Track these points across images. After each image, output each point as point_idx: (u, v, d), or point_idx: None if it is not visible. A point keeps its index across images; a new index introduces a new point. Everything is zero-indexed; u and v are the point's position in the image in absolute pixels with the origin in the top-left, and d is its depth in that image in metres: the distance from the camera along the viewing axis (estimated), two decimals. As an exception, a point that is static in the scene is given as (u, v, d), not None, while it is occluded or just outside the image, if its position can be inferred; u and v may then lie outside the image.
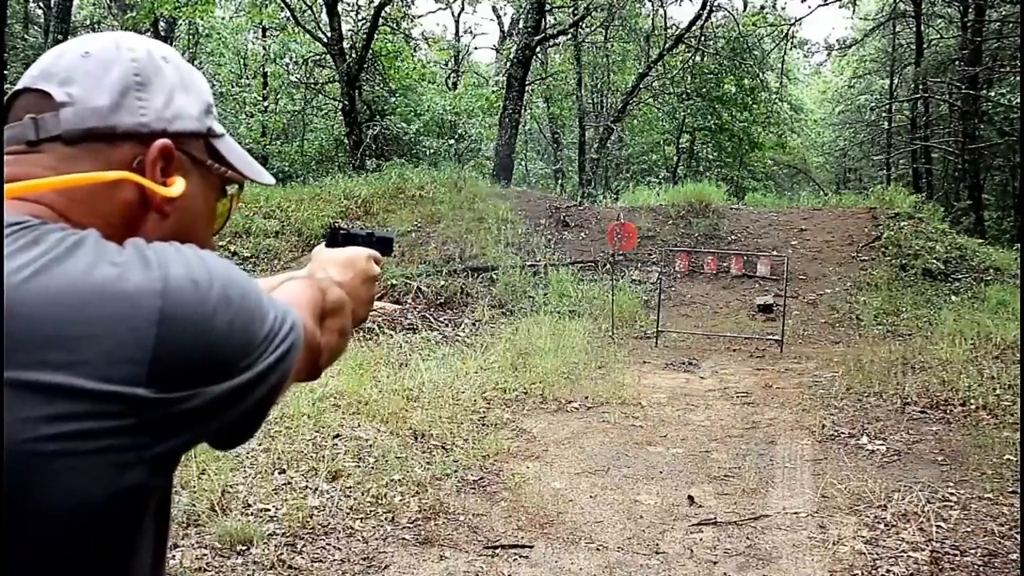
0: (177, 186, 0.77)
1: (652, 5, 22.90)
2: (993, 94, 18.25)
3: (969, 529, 3.89)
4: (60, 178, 0.71)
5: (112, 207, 0.75)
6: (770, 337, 9.19)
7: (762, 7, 22.00)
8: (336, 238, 1.08)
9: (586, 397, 6.43)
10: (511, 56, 17.46)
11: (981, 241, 13.65)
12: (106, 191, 0.74)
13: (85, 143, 0.74)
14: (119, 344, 0.62)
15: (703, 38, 22.05)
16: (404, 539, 3.73)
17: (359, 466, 4.45)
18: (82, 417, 0.61)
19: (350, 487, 4.16)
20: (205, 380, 0.66)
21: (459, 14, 28.10)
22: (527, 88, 18.79)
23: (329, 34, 17.12)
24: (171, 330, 0.64)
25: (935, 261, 11.50)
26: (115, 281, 0.64)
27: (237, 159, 0.87)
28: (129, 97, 0.76)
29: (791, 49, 25.08)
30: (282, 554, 3.44)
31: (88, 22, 21.60)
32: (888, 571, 3.48)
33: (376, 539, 3.70)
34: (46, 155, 0.74)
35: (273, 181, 0.96)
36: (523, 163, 24.84)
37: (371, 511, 3.94)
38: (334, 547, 3.58)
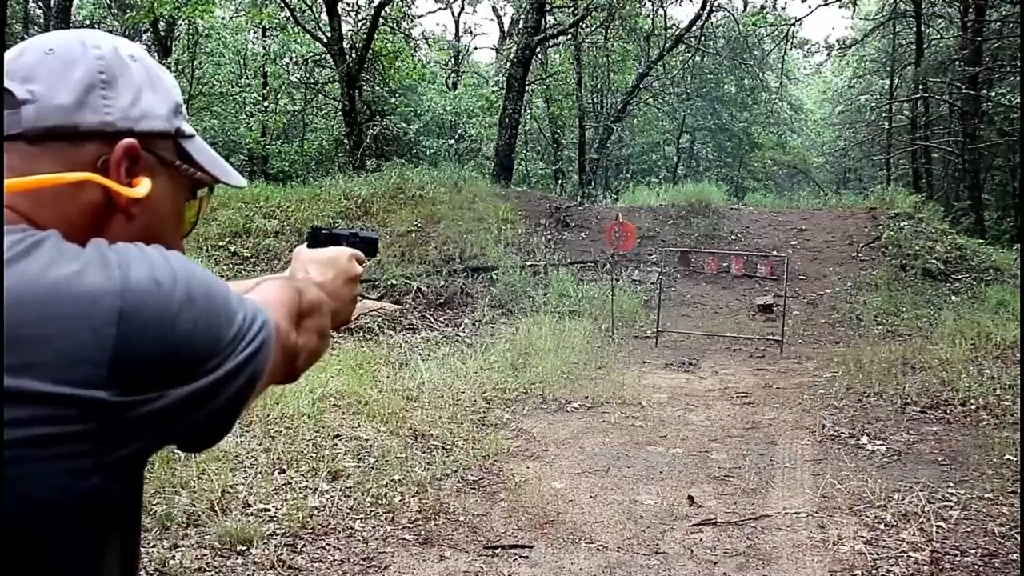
0: (142, 187, 0.75)
1: (652, 5, 22.89)
2: (993, 94, 18.26)
3: (969, 529, 3.89)
4: (21, 180, 0.69)
5: (77, 208, 0.73)
6: (770, 337, 9.19)
7: (762, 7, 21.99)
8: (318, 238, 1.05)
9: (586, 397, 6.43)
10: (511, 56, 17.46)
11: (981, 241, 13.65)
12: (70, 192, 0.72)
13: (47, 142, 0.72)
14: (77, 345, 0.61)
15: (703, 38, 22.06)
16: (404, 539, 3.72)
17: (359, 466, 4.45)
18: (39, 422, 0.59)
19: (350, 487, 4.16)
20: (169, 382, 0.64)
21: (459, 14, 28.13)
22: (527, 88, 18.78)
23: (329, 34, 17.11)
24: (132, 330, 0.62)
25: (935, 261, 11.50)
26: (73, 280, 0.62)
27: (207, 160, 0.85)
28: (93, 95, 0.74)
29: (791, 49, 25.10)
30: (282, 554, 3.44)
31: (88, 22, 21.59)
32: (888, 571, 3.48)
33: (376, 539, 3.70)
34: (8, 154, 0.71)
35: (244, 183, 0.93)
36: (523, 163, 24.83)
37: (371, 511, 3.94)
38: (334, 547, 3.58)
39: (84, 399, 0.60)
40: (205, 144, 0.86)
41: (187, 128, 0.83)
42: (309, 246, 1.04)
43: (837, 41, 25.56)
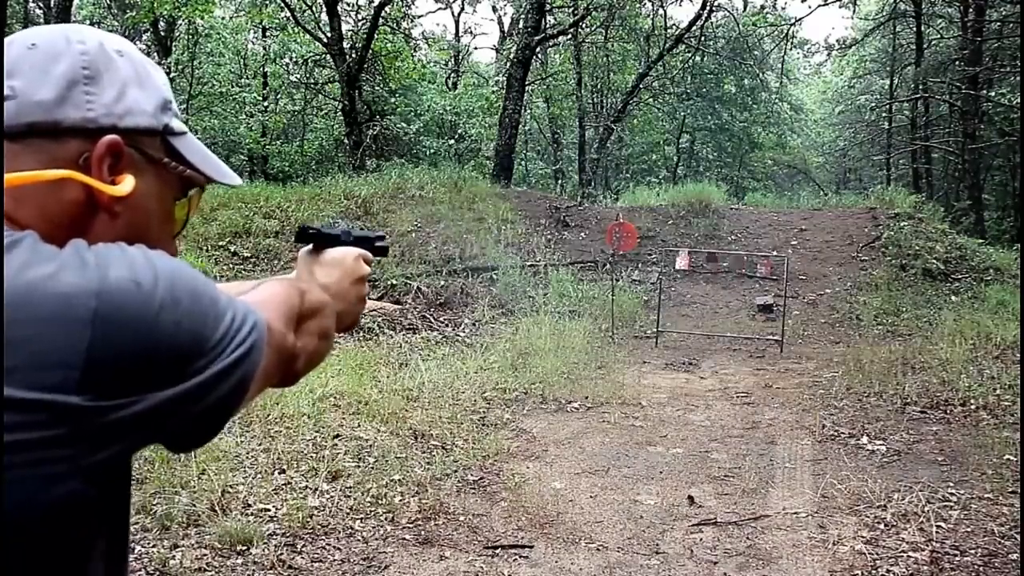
0: (125, 185, 0.73)
1: (652, 5, 22.91)
2: (993, 94, 18.26)
3: (969, 529, 3.89)
4: None
5: (59, 207, 0.71)
6: (770, 337, 9.19)
7: (762, 7, 22.01)
8: (306, 237, 1.01)
9: (586, 397, 6.43)
10: (511, 56, 17.46)
11: (981, 241, 13.67)
12: (51, 190, 0.70)
13: (28, 139, 0.70)
14: (50, 348, 0.59)
15: (703, 38, 22.07)
16: (404, 539, 3.72)
17: (359, 466, 4.45)
18: (11, 429, 0.57)
19: (350, 487, 4.16)
20: (148, 385, 0.62)
21: (459, 14, 28.13)
22: (527, 88, 18.78)
23: (329, 34, 17.11)
24: (107, 333, 0.60)
25: (935, 261, 11.50)
26: (47, 282, 0.60)
27: (199, 158, 0.82)
28: (76, 91, 0.72)
29: (791, 49, 25.12)
30: (282, 554, 3.44)
31: (88, 22, 21.58)
32: (888, 571, 3.48)
33: (376, 539, 3.70)
34: None
35: (239, 181, 0.90)
36: (523, 163, 24.84)
37: (371, 511, 3.94)
38: (334, 547, 3.58)
39: (55, 404, 0.58)
40: (197, 141, 0.84)
41: (177, 125, 0.81)
42: (296, 241, 1.02)
43: (837, 41, 25.58)
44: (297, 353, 0.82)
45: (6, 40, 0.73)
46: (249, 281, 0.93)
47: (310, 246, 1.01)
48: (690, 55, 23.30)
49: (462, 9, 27.92)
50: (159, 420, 0.64)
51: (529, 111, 22.73)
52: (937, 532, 3.81)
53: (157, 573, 3.20)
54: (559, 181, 21.69)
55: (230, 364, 0.67)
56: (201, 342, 0.65)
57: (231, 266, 10.43)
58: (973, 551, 3.65)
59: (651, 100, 24.56)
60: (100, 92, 0.73)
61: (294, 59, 21.38)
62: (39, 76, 0.71)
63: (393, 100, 20.53)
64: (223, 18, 21.05)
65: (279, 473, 4.24)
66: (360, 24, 19.84)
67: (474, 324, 9.30)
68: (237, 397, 0.69)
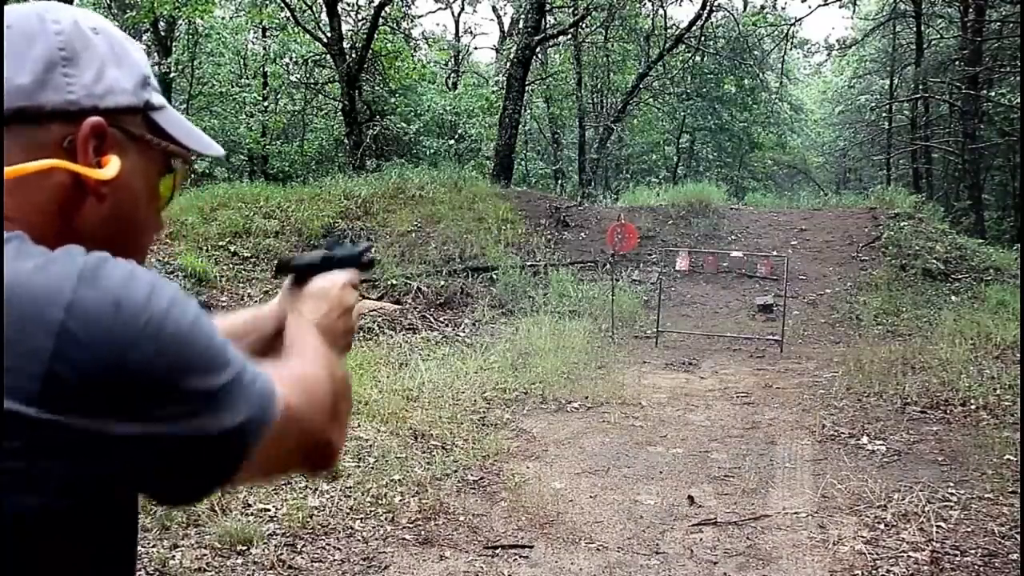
0: (111, 167, 0.71)
1: (652, 5, 22.90)
2: (993, 94, 18.26)
3: (969, 529, 3.89)
4: None
5: (46, 194, 0.70)
6: (770, 337, 9.19)
7: (762, 7, 22.01)
8: (286, 271, 0.95)
9: (586, 397, 6.43)
10: (511, 56, 17.45)
11: (981, 241, 13.66)
12: (36, 178, 0.69)
13: (10, 124, 0.69)
14: (18, 355, 0.58)
15: (703, 38, 22.07)
16: (404, 539, 3.73)
17: (359, 466, 4.45)
18: None
19: (350, 487, 4.16)
20: (107, 410, 0.59)
21: (459, 14, 28.12)
22: (527, 88, 18.78)
23: (329, 34, 17.10)
24: (70, 347, 0.58)
25: (935, 261, 11.50)
26: (32, 276, 0.60)
27: (180, 132, 0.81)
28: (54, 73, 0.70)
29: (791, 49, 25.12)
30: (282, 554, 3.44)
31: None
32: (888, 571, 3.48)
33: (376, 539, 3.70)
34: None
35: (222, 152, 0.88)
36: (523, 163, 24.82)
37: (371, 511, 3.94)
38: (334, 547, 3.58)
39: (16, 415, 0.57)
40: (178, 114, 0.83)
41: (157, 100, 0.79)
42: (275, 275, 0.97)
43: (837, 41, 25.57)
44: (331, 441, 0.78)
45: None
46: (238, 313, 0.91)
47: (292, 277, 0.96)
48: (690, 55, 23.31)
49: (462, 9, 27.93)
50: (127, 452, 0.61)
51: (529, 111, 22.73)
52: (937, 532, 3.81)
53: (157, 573, 3.20)
54: (559, 181, 21.69)
55: (222, 427, 0.64)
56: (175, 388, 0.62)
57: (231, 266, 10.42)
58: (973, 551, 3.65)
59: (651, 100, 24.57)
60: (79, 74, 0.71)
61: (294, 59, 21.36)
62: (15, 61, 0.69)
63: (393, 100, 20.52)
64: (223, 18, 21.03)
65: (279, 473, 4.23)
66: (360, 24, 19.83)
67: (474, 324, 9.31)
68: (229, 464, 0.66)
